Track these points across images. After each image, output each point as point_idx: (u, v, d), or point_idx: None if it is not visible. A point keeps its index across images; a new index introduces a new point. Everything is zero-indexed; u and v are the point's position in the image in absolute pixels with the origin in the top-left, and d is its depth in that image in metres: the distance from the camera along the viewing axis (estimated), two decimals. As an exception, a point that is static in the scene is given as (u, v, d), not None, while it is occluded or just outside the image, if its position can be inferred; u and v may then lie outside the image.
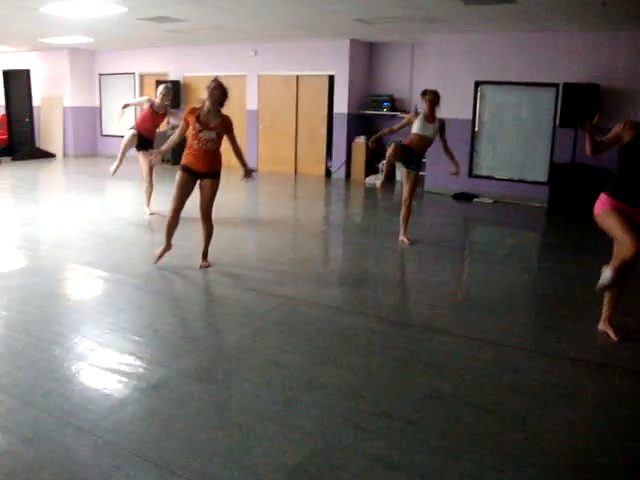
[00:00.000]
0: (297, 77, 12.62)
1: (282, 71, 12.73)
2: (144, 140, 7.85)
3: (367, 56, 12.30)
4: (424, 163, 11.36)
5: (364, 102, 12.29)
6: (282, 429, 2.97)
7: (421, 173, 11.43)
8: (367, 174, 12.20)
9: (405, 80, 12.10)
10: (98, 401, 3.19)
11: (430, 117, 6.56)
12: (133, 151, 8.14)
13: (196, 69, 13.87)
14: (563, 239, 7.84)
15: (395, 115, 11.92)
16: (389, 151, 6.53)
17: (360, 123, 12.28)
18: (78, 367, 3.59)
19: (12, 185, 11.36)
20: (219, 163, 5.55)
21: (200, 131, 5.31)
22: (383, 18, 8.75)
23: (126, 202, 9.56)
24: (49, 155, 15.28)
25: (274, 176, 12.66)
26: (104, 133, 15.78)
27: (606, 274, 3.89)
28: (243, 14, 8.80)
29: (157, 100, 7.86)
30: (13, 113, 15.34)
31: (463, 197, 10.57)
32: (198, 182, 5.55)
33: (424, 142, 6.59)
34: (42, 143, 15.53)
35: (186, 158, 5.46)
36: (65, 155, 15.33)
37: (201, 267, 5.70)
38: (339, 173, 12.54)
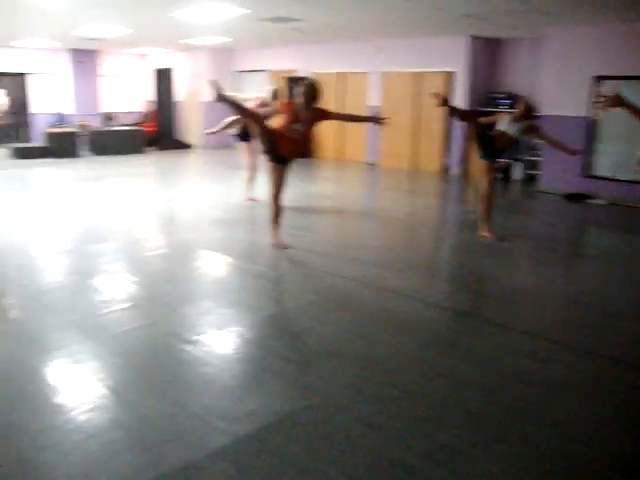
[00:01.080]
0: (417, 74, 12.76)
1: (403, 68, 12.94)
2: (248, 134, 8.46)
3: (487, 52, 12.17)
4: (538, 162, 11.15)
5: (483, 99, 12.19)
6: (288, 383, 3.34)
7: (534, 172, 11.28)
8: (483, 172, 12.08)
9: (526, 76, 11.84)
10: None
11: (518, 118, 6.62)
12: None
13: (322, 66, 14.46)
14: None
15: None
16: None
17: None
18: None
19: (152, 172, 12.66)
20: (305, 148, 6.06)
21: (293, 123, 5.80)
22: (490, 12, 8.73)
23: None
24: (188, 146, 16.60)
25: (392, 171, 12.91)
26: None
27: None
28: (352, 13, 9.17)
29: (268, 99, 8.48)
30: (161, 108, 16.84)
31: (576, 198, 10.22)
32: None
33: (505, 139, 6.64)
34: (183, 135, 16.91)
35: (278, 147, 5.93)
36: (202, 146, 16.57)
37: (278, 246, 6.17)
38: (455, 170, 12.55)
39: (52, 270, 5.59)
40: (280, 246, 6.17)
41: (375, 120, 6.48)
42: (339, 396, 3.27)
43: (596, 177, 10.26)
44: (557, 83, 10.41)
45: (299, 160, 6.04)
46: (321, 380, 3.43)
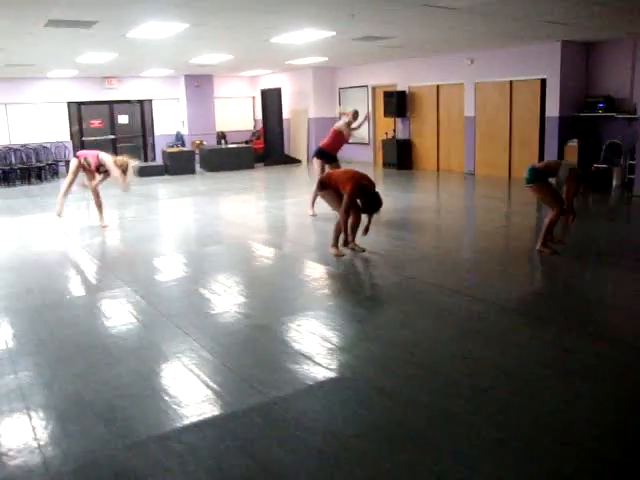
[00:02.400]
0: (510, 82, 12.86)
1: (496, 77, 13.07)
2: (328, 154, 9.15)
3: (581, 57, 12.05)
4: (632, 165, 10.90)
5: (578, 104, 12.08)
6: (322, 360, 3.87)
7: (630, 176, 11.02)
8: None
9: (624, 78, 11.62)
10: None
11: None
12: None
13: (419, 79, 14.88)
14: None
15: (612, 116, 11.56)
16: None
17: (573, 126, 12.08)
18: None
19: (259, 185, 13.63)
20: None
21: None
22: (570, 18, 8.81)
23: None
24: (296, 161, 17.52)
25: (489, 179, 13.04)
26: (342, 141, 17.57)
27: None
28: (430, 30, 9.57)
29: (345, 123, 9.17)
30: (268, 125, 17.92)
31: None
32: None
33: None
34: (290, 150, 17.88)
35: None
36: (309, 161, 17.42)
37: (354, 249, 6.72)
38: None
39: (176, 266, 6.49)
40: (339, 255, 6.69)
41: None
42: (365, 371, 3.77)
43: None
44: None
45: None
46: (352, 358, 3.95)
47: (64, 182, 8.94)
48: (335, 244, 6.76)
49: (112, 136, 17.63)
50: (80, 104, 17.06)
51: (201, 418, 3.25)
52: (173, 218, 9.89)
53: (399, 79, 15.47)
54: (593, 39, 11.59)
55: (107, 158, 8.35)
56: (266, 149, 18.00)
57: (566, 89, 11.97)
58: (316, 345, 4.19)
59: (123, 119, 17.94)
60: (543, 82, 12.23)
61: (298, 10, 7.68)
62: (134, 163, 8.61)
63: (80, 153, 8.75)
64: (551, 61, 11.90)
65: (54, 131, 16.53)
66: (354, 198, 6.42)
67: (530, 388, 3.52)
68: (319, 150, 9.44)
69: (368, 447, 2.95)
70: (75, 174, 8.56)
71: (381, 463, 2.82)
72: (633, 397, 3.41)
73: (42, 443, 3.05)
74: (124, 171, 8.29)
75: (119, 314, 5.06)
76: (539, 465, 2.77)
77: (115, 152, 17.02)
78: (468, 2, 7.27)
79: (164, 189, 13.36)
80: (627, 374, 3.69)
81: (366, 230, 6.77)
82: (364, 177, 6.56)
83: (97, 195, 8.62)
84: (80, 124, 17.22)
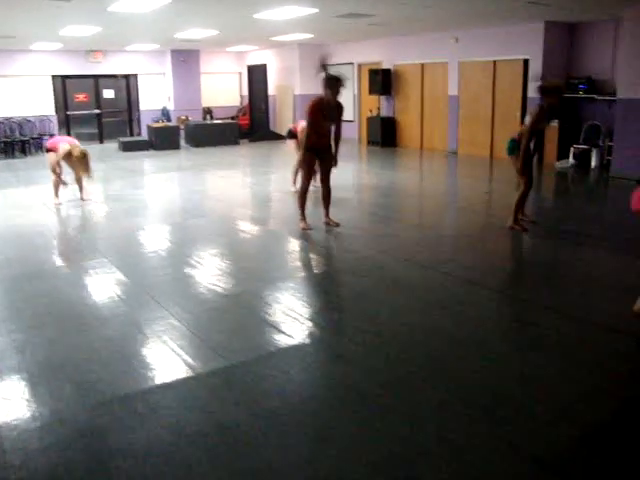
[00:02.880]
0: (494, 62, 12.94)
1: (480, 57, 13.15)
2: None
3: (565, 38, 12.14)
4: (611, 147, 11.07)
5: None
6: (285, 328, 4.03)
7: (608, 157, 11.20)
8: (559, 158, 12.14)
9: (606, 60, 11.72)
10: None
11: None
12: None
13: (404, 57, 14.94)
14: None
15: (593, 98, 11.69)
16: None
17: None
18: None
19: (243, 161, 13.72)
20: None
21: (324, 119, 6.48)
22: None
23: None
24: (281, 137, 17.53)
25: (471, 158, 13.19)
26: (327, 118, 17.64)
27: None
28: (414, 9, 9.63)
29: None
30: (254, 101, 17.94)
31: (648, 182, 10.11)
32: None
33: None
34: (276, 127, 17.92)
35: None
36: (294, 138, 17.48)
37: (329, 224, 6.85)
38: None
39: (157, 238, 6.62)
40: (307, 228, 6.84)
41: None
42: (328, 339, 3.92)
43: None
44: (633, 64, 10.28)
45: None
46: (320, 327, 4.11)
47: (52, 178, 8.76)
48: (303, 218, 6.88)
49: (97, 111, 17.58)
50: (65, 77, 16.98)
51: (165, 381, 3.41)
52: (157, 192, 9.98)
53: (385, 57, 15.51)
54: (576, 20, 11.68)
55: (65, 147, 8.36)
56: (252, 125, 18.05)
57: (548, 70, 12.03)
58: (281, 314, 4.35)
59: (109, 93, 17.88)
60: (526, 62, 12.32)
61: (278, -14, 7.73)
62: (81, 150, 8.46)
63: (53, 143, 8.59)
64: (534, 42, 11.98)
65: (38, 105, 16.46)
66: (315, 115, 6.47)
67: (482, 357, 3.70)
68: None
69: (320, 408, 3.12)
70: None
71: (332, 422, 2.98)
72: (578, 370, 3.59)
73: (10, 404, 3.20)
74: (83, 160, 8.29)
75: (95, 284, 5.20)
76: (477, 425, 2.94)
77: (100, 126, 17.07)
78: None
79: (149, 164, 13.41)
80: (579, 348, 3.86)
81: (335, 161, 6.81)
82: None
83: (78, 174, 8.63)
84: (65, 98, 17.15)
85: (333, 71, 6.58)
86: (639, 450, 2.76)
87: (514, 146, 6.62)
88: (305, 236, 6.71)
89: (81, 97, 17.46)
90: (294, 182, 9.23)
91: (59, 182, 8.63)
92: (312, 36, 14.43)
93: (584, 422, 2.96)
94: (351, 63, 16.57)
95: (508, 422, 2.96)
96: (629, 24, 10.24)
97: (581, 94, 11.83)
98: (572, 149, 11.95)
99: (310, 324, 4.21)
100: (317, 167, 6.90)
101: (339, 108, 6.60)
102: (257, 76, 17.70)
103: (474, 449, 2.74)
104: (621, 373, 3.51)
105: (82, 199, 8.79)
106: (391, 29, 13.00)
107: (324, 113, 6.48)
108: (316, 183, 9.31)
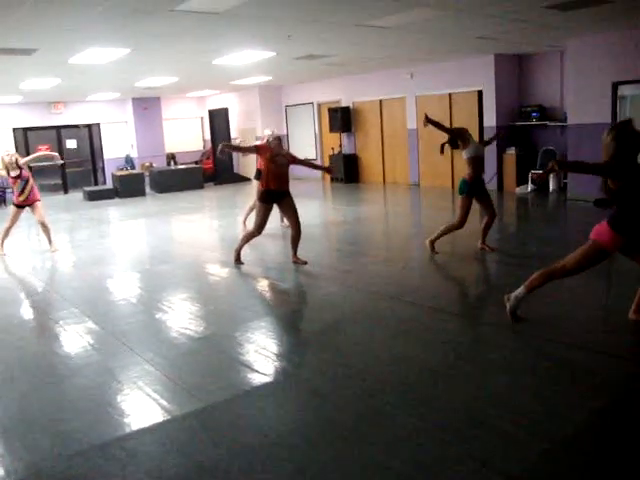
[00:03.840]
0: (449, 95, 13.34)
1: (436, 90, 13.56)
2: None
3: (515, 69, 12.62)
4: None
5: (514, 114, 12.62)
6: (259, 367, 4.08)
7: (565, 181, 11.58)
8: (519, 184, 12.48)
9: (555, 88, 12.20)
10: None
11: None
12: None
13: (363, 94, 15.33)
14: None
15: (545, 124, 12.12)
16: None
17: (510, 135, 12.60)
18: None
19: (208, 205, 13.78)
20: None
21: (276, 156, 6.68)
22: (499, 33, 9.28)
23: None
24: (245, 179, 17.70)
25: (433, 190, 13.47)
26: (291, 157, 17.91)
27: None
28: (365, 48, 9.95)
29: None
30: (217, 145, 18.09)
31: (605, 203, 10.44)
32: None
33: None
34: (240, 169, 18.09)
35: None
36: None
37: (297, 262, 6.97)
38: (492, 184, 12.93)
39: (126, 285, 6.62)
40: (238, 264, 7.18)
41: (323, 169, 8.18)
42: (301, 375, 3.98)
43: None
44: (579, 92, 10.73)
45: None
46: (293, 364, 4.17)
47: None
48: (238, 257, 7.24)
49: (61, 161, 17.51)
50: (26, 130, 16.96)
51: (142, 426, 3.43)
52: (124, 240, 9.98)
53: (343, 95, 15.88)
54: (524, 52, 12.17)
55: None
56: (216, 169, 18.19)
57: (501, 100, 12.50)
58: (253, 353, 4.41)
59: (71, 144, 17.91)
60: (480, 93, 12.74)
61: (236, 34, 7.95)
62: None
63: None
64: (486, 74, 12.43)
65: None
66: (263, 153, 6.91)
67: (452, 381, 3.80)
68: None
69: (298, 442, 3.17)
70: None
71: (310, 456, 3.03)
72: (542, 386, 3.71)
73: (-14, 459, 3.18)
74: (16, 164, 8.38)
75: (66, 335, 5.18)
76: (451, 447, 3.03)
77: (64, 176, 17.04)
78: (396, 21, 7.65)
79: (115, 212, 13.41)
80: (545, 366, 4.00)
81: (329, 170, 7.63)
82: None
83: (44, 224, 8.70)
84: (27, 150, 17.08)
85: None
86: (605, 462, 2.86)
87: (462, 186, 6.91)
88: (273, 276, 6.79)
89: (43, 149, 17.41)
90: (245, 222, 9.43)
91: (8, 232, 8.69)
92: (271, 78, 14.72)
93: (552, 437, 3.07)
94: (311, 102, 16.90)
95: (480, 442, 3.05)
96: (572, 55, 10.72)
97: (534, 121, 12.27)
98: (530, 174, 12.30)
99: (283, 361, 4.27)
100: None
101: (287, 154, 7.06)
102: (219, 120, 17.92)
103: (449, 470, 2.82)
104: (587, 387, 3.63)
105: (51, 250, 8.77)
106: (348, 68, 13.36)
107: (273, 157, 6.72)
108: (284, 223, 9.47)
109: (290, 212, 6.95)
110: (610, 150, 3.84)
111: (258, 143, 8.26)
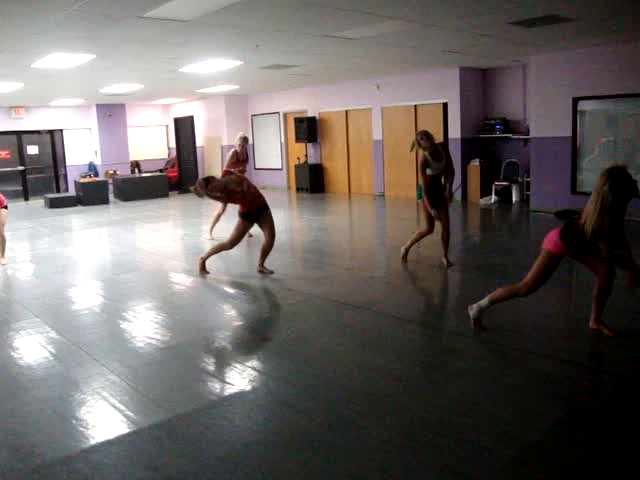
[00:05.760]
0: (415, 107, 13.50)
1: (401, 102, 13.71)
2: None
3: (479, 82, 12.84)
4: (529, 182, 11.68)
5: (478, 126, 12.82)
6: (226, 376, 4.04)
7: (527, 192, 11.81)
8: (482, 195, 12.66)
9: (518, 102, 12.44)
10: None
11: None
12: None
13: (329, 105, 15.40)
14: None
15: (508, 137, 12.35)
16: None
17: (474, 147, 12.81)
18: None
19: (172, 214, 13.65)
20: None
21: (246, 187, 6.92)
22: (463, 47, 9.44)
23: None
24: (211, 187, 17.61)
25: (398, 200, 13.59)
26: (256, 167, 17.86)
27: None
28: (333, 59, 10.02)
29: (239, 149, 9.31)
30: (182, 153, 18.00)
31: (565, 214, 10.69)
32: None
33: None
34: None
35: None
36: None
37: (263, 271, 6.95)
38: (457, 195, 13.09)
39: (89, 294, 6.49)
40: (203, 273, 7.17)
41: None
42: (269, 385, 3.96)
43: (585, 193, 10.71)
44: (541, 106, 10.97)
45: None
46: (261, 373, 4.15)
47: None
48: (203, 267, 7.24)
49: (21, 167, 17.21)
50: (-15, 135, 16.62)
51: (107, 438, 3.36)
52: (87, 248, 9.80)
53: (309, 105, 15.94)
54: (488, 66, 12.40)
55: None
56: (181, 177, 18.05)
57: (466, 112, 12.70)
58: (221, 363, 4.38)
59: (33, 149, 17.58)
60: (445, 106, 12.93)
61: (203, 42, 7.92)
62: None
63: None
64: (451, 86, 12.62)
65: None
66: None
67: (419, 390, 3.82)
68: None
69: (266, 452, 3.15)
70: None
71: (279, 465, 3.02)
72: (509, 394, 3.76)
73: (-56, 473, 3.08)
74: None
75: (27, 345, 5.06)
76: (419, 456, 3.04)
77: (25, 183, 16.71)
78: (364, 33, 7.72)
79: (77, 220, 13.18)
80: (511, 373, 4.06)
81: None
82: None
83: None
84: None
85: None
86: (572, 467, 2.91)
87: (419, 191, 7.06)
88: (239, 285, 6.75)
89: (3, 154, 17.07)
90: (211, 231, 9.39)
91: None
92: (237, 87, 14.70)
93: (519, 443, 3.11)
94: (277, 112, 16.92)
95: (449, 450, 3.07)
96: (535, 70, 10.96)
97: (498, 134, 12.50)
98: (494, 186, 12.51)
99: (250, 371, 4.24)
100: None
101: (244, 179, 7.06)
102: (184, 128, 17.81)
103: (418, 479, 2.84)
104: (553, 395, 3.69)
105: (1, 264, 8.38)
106: (314, 78, 13.42)
107: (243, 190, 6.80)
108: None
109: (268, 224, 6.96)
110: (607, 199, 4.02)
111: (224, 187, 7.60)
